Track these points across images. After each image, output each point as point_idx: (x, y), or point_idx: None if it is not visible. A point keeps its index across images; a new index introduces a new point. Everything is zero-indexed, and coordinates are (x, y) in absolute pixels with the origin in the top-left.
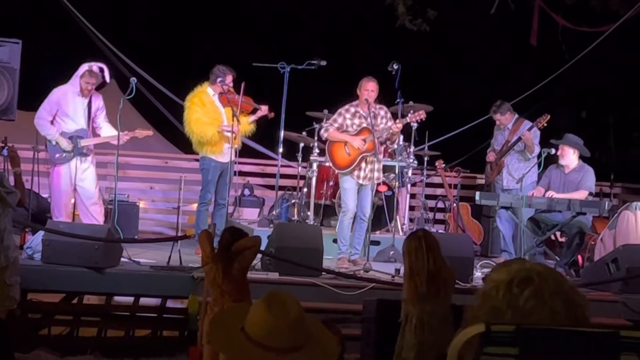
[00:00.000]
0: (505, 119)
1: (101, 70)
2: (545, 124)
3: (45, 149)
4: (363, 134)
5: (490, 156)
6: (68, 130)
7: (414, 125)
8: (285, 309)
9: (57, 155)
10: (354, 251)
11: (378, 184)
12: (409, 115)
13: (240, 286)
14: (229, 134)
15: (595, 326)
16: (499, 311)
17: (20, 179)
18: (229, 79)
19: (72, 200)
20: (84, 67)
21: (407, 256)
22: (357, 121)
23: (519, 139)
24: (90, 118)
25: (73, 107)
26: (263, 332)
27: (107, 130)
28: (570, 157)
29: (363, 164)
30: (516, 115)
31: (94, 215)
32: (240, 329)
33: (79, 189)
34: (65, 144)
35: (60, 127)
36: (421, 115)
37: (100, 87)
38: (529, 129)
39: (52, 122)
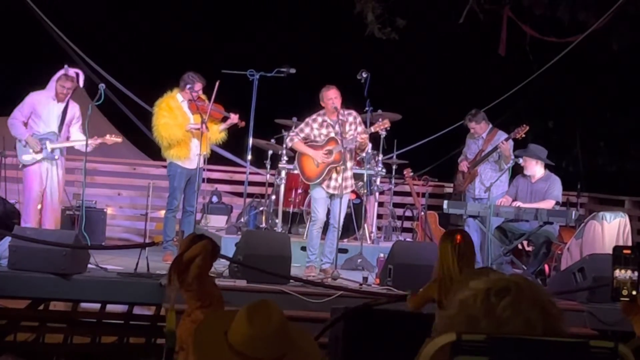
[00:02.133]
0: (480, 127)
1: (77, 75)
2: (524, 135)
3: (14, 149)
4: (330, 144)
5: (463, 165)
6: (39, 132)
7: (383, 133)
8: (267, 319)
9: (25, 157)
10: (326, 260)
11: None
12: (374, 124)
13: (203, 292)
14: (197, 140)
15: (565, 336)
16: (474, 319)
17: None
18: (198, 86)
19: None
20: (61, 71)
21: (440, 260)
22: (324, 131)
23: (495, 148)
24: (63, 124)
25: (47, 110)
26: (245, 343)
27: (76, 137)
28: (533, 168)
29: (334, 174)
30: (490, 125)
31: (52, 220)
32: (224, 338)
33: (47, 193)
34: (35, 145)
35: (32, 129)
36: (385, 124)
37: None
38: (506, 139)
39: (26, 125)
